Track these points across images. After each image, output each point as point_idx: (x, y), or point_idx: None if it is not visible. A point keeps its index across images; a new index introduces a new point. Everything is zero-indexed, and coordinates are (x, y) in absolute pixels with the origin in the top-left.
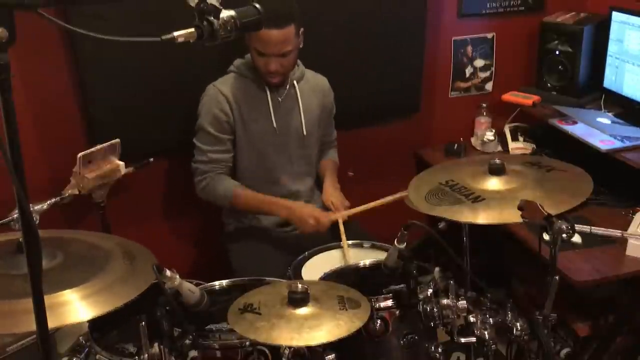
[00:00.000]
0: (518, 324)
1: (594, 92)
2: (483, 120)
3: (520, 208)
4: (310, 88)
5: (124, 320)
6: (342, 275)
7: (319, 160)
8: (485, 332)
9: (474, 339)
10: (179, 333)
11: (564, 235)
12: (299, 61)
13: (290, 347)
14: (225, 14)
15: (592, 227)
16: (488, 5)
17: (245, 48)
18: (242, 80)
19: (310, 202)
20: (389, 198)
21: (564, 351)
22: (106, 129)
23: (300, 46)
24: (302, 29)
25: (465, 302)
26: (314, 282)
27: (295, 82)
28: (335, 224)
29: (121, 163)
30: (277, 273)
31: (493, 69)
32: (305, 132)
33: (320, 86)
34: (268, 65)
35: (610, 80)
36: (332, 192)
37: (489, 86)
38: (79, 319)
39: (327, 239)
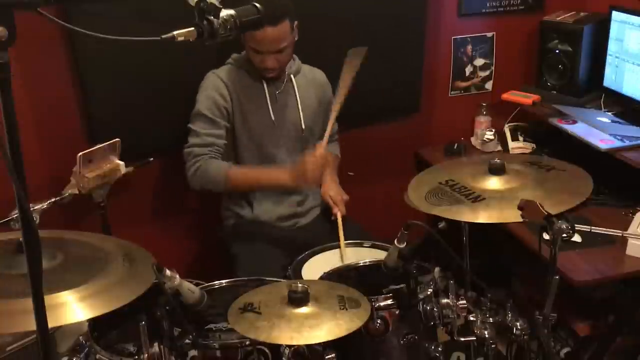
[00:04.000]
0: (518, 324)
1: (594, 92)
2: (483, 120)
3: (520, 208)
4: (308, 82)
5: (124, 320)
6: (342, 275)
7: None
8: (485, 332)
9: (474, 339)
10: (179, 333)
11: (564, 235)
12: (295, 56)
13: (290, 347)
14: (225, 13)
15: (592, 227)
16: (488, 5)
17: (243, 45)
18: (240, 71)
19: (309, 196)
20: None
21: (564, 351)
22: (106, 128)
23: (296, 39)
24: (296, 22)
25: (465, 301)
26: (314, 281)
27: (292, 75)
28: (335, 224)
29: (121, 162)
30: (277, 272)
31: (493, 68)
32: (303, 126)
33: (318, 80)
34: (264, 62)
35: (610, 79)
36: (330, 185)
37: (488, 85)
38: (77, 320)
39: (327, 239)
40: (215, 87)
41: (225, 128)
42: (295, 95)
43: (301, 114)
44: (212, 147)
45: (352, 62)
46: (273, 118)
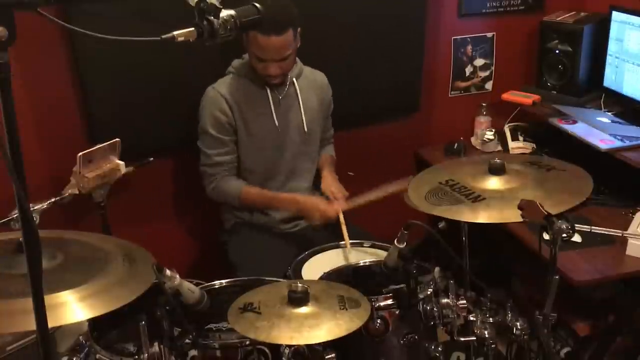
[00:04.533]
0: (518, 324)
1: (594, 92)
2: (483, 120)
3: (520, 208)
4: (309, 84)
5: (124, 320)
6: (342, 275)
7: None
8: (485, 332)
9: (474, 339)
10: (179, 332)
11: (564, 235)
12: (297, 58)
13: (290, 347)
14: (225, 13)
15: (592, 227)
16: (488, 5)
17: (245, 48)
18: (242, 80)
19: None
20: (390, 189)
21: (564, 351)
22: (106, 129)
23: (298, 45)
24: (299, 29)
25: (465, 301)
26: (314, 281)
27: (294, 79)
28: (336, 225)
29: (121, 162)
30: (277, 272)
31: (493, 68)
32: (306, 129)
33: (319, 82)
34: (268, 69)
35: (610, 79)
36: (331, 181)
37: (488, 85)
38: (77, 320)
39: (327, 238)
40: (216, 105)
41: (233, 142)
42: (298, 99)
43: (304, 117)
44: (222, 167)
45: (397, 185)
46: (277, 123)
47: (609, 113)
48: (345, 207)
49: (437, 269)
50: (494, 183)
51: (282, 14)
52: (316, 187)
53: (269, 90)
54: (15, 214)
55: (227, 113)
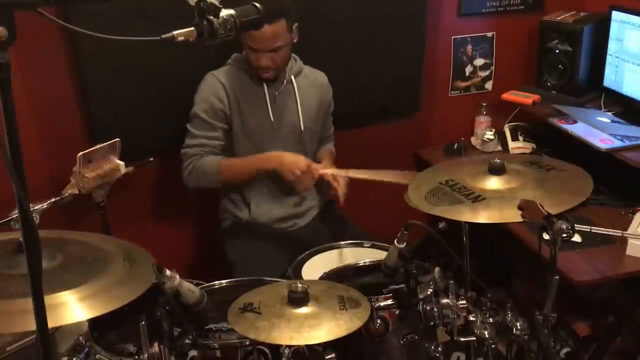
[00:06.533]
0: (518, 324)
1: (594, 91)
2: (483, 120)
3: (520, 208)
4: (309, 83)
5: (124, 320)
6: (342, 275)
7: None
8: (485, 332)
9: (474, 339)
10: (179, 333)
11: (564, 235)
12: (297, 57)
13: (290, 347)
14: (225, 12)
15: (592, 227)
16: (488, 5)
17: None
18: (239, 73)
19: (308, 198)
20: (391, 177)
21: (564, 351)
22: (106, 128)
23: (295, 41)
24: (295, 24)
25: (465, 301)
26: (314, 281)
27: (292, 77)
28: (334, 224)
29: (121, 162)
30: (274, 270)
31: (493, 68)
32: (302, 128)
33: (319, 82)
34: (259, 60)
35: (610, 79)
36: (329, 165)
37: (488, 85)
38: (76, 320)
39: (327, 239)
40: (212, 90)
41: (222, 129)
42: (295, 97)
43: (300, 115)
44: (204, 148)
45: (401, 176)
46: (272, 119)
47: (609, 113)
48: (336, 172)
49: (437, 269)
50: (494, 183)
51: (275, 3)
52: (315, 186)
53: (265, 86)
54: (15, 214)
55: (223, 100)
